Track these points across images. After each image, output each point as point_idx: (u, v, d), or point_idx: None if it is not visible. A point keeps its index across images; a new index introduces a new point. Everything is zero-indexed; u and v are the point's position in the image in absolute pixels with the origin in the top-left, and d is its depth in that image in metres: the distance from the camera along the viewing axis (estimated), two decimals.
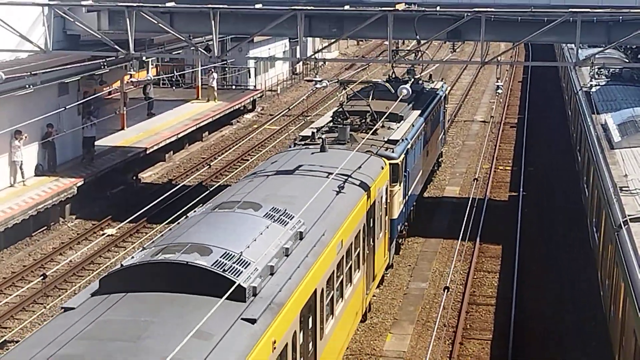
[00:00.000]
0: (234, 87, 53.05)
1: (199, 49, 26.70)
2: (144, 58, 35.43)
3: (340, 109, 27.45)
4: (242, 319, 12.55)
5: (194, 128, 41.68)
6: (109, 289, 13.17)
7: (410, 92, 23.90)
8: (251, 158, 38.52)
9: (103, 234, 29.10)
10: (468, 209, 25.75)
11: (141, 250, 14.46)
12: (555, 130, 46.21)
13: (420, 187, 31.30)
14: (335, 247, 17.28)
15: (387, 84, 28.94)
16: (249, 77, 53.94)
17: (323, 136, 23.96)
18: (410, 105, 30.28)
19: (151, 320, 12.00)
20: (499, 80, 28.96)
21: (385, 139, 25.47)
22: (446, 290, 22.62)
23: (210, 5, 25.09)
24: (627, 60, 41.36)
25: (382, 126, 26.42)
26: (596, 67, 34.98)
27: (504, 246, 28.62)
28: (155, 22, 25.44)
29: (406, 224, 27.97)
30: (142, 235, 28.61)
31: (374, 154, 23.69)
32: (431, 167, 34.73)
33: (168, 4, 27.32)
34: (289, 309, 13.82)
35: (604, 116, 29.68)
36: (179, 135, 39.94)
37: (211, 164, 37.60)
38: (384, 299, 24.26)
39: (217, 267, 13.28)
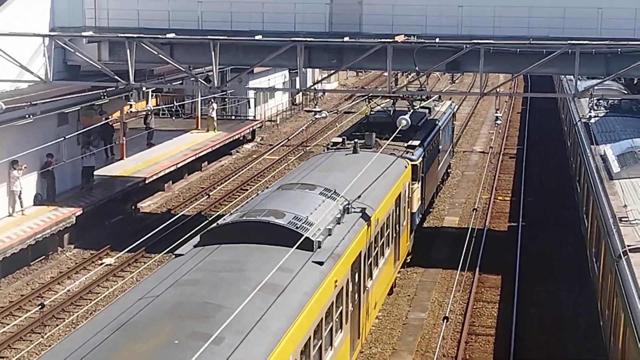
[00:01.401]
0: (233, 117, 53.21)
1: (199, 79, 26.82)
2: (144, 88, 35.64)
3: (366, 120, 33.00)
4: (312, 261, 16.35)
5: (194, 158, 41.74)
6: (208, 242, 16.83)
7: (410, 123, 26.68)
8: (250, 188, 38.51)
9: (101, 264, 28.96)
10: (467, 239, 25.72)
11: (229, 215, 18.45)
12: (554, 161, 46.27)
13: (434, 190, 35.48)
14: (373, 222, 20.98)
15: (406, 99, 33.69)
16: (249, 107, 54.12)
17: (354, 141, 27.28)
18: (425, 118, 34.40)
19: (246, 260, 15.63)
20: (498, 111, 29.06)
21: (406, 145, 28.94)
22: (445, 321, 22.57)
23: (210, 37, 25.24)
24: (626, 92, 41.48)
25: None
26: (595, 98, 35.03)
27: (503, 276, 28.55)
28: (156, 53, 25.57)
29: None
30: (141, 265, 28.54)
31: (398, 156, 27.14)
32: (442, 176, 38.52)
33: (168, 35, 27.46)
34: (344, 261, 17.63)
35: (603, 147, 29.72)
36: (178, 165, 39.99)
37: (210, 193, 37.59)
38: (383, 328, 24.18)
39: (291, 225, 17.03)
